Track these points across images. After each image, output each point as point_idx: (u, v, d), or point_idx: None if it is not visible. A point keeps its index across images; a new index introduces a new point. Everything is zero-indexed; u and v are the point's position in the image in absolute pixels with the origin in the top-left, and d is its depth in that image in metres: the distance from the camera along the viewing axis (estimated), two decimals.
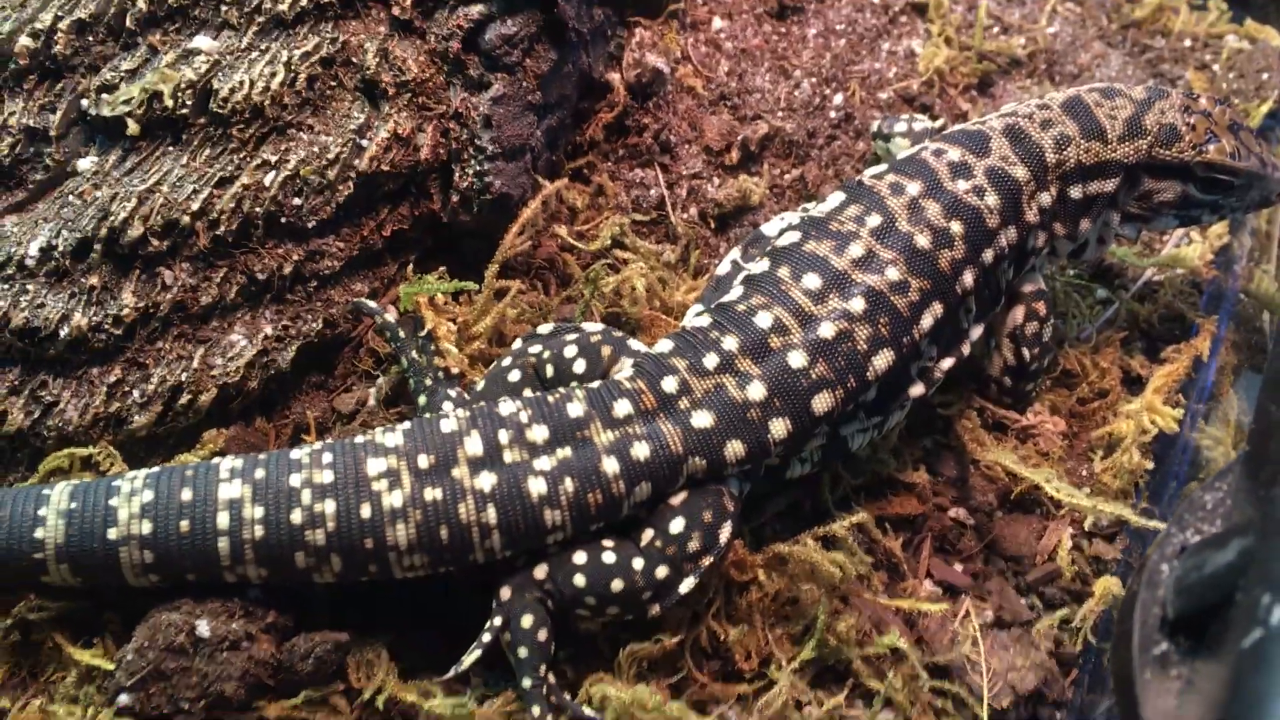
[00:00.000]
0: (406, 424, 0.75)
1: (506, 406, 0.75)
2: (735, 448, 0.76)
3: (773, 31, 1.02)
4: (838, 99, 1.01)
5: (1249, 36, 1.24)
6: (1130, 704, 0.51)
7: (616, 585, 0.75)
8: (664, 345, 0.79)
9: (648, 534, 0.76)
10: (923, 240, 0.81)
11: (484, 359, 0.86)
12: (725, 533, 0.77)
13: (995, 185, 0.84)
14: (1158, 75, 1.21)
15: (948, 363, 0.85)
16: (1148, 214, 0.91)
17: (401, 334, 0.83)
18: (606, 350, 0.80)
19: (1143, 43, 1.23)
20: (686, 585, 0.76)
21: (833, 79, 1.02)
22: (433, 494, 0.72)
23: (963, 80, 1.08)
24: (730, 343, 0.77)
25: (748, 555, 0.80)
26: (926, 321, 0.80)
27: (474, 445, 0.73)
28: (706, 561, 0.76)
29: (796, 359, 0.77)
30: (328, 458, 0.73)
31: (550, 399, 0.76)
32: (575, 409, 0.75)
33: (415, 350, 0.84)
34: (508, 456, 0.74)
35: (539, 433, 0.74)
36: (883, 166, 0.86)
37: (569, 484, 0.73)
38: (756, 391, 0.76)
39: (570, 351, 0.80)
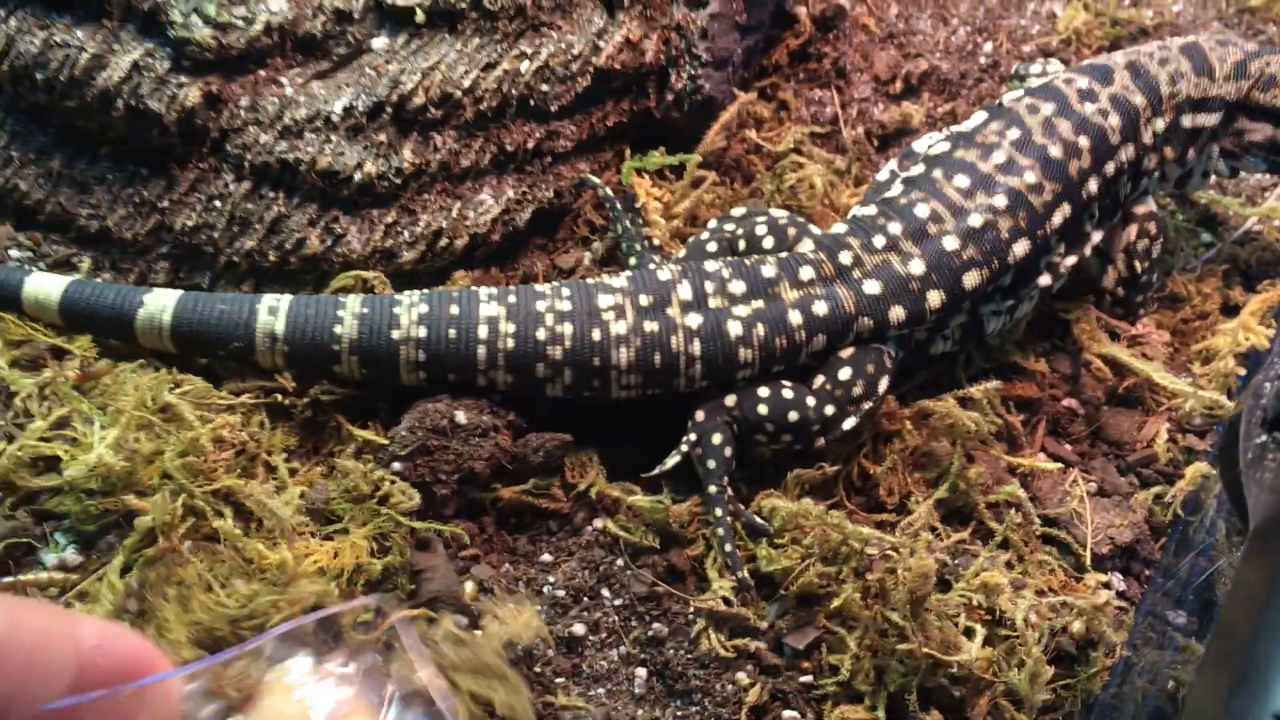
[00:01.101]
0: (630, 271, 0.92)
1: (711, 264, 0.92)
2: (897, 312, 0.92)
3: None
4: (988, 46, 1.16)
5: None
6: (1235, 483, 0.66)
7: (792, 416, 0.91)
8: (839, 228, 0.95)
9: (820, 379, 0.92)
10: (1055, 150, 0.96)
11: (681, 236, 1.02)
12: (883, 384, 0.93)
13: (1117, 108, 0.99)
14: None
15: (1071, 260, 1.00)
16: (1239, 152, 1.05)
17: (619, 205, 1.00)
18: (792, 231, 0.96)
19: (1256, 27, 1.36)
20: (849, 424, 0.92)
21: (984, 29, 1.17)
22: (650, 326, 0.89)
23: (1096, 42, 1.22)
24: (895, 228, 0.93)
25: (897, 409, 0.95)
26: (1057, 219, 0.96)
27: (685, 291, 0.90)
28: (866, 406, 0.92)
29: (950, 242, 0.92)
30: (566, 292, 0.90)
31: (747, 261, 0.92)
32: (768, 270, 0.91)
33: (628, 220, 1.00)
34: (712, 302, 0.90)
35: (737, 286, 0.91)
36: (1020, 91, 1.02)
37: (760, 329, 0.90)
38: (917, 267, 0.92)
39: (761, 230, 0.97)
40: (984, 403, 0.96)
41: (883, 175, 1.01)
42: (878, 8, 1.12)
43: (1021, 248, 0.95)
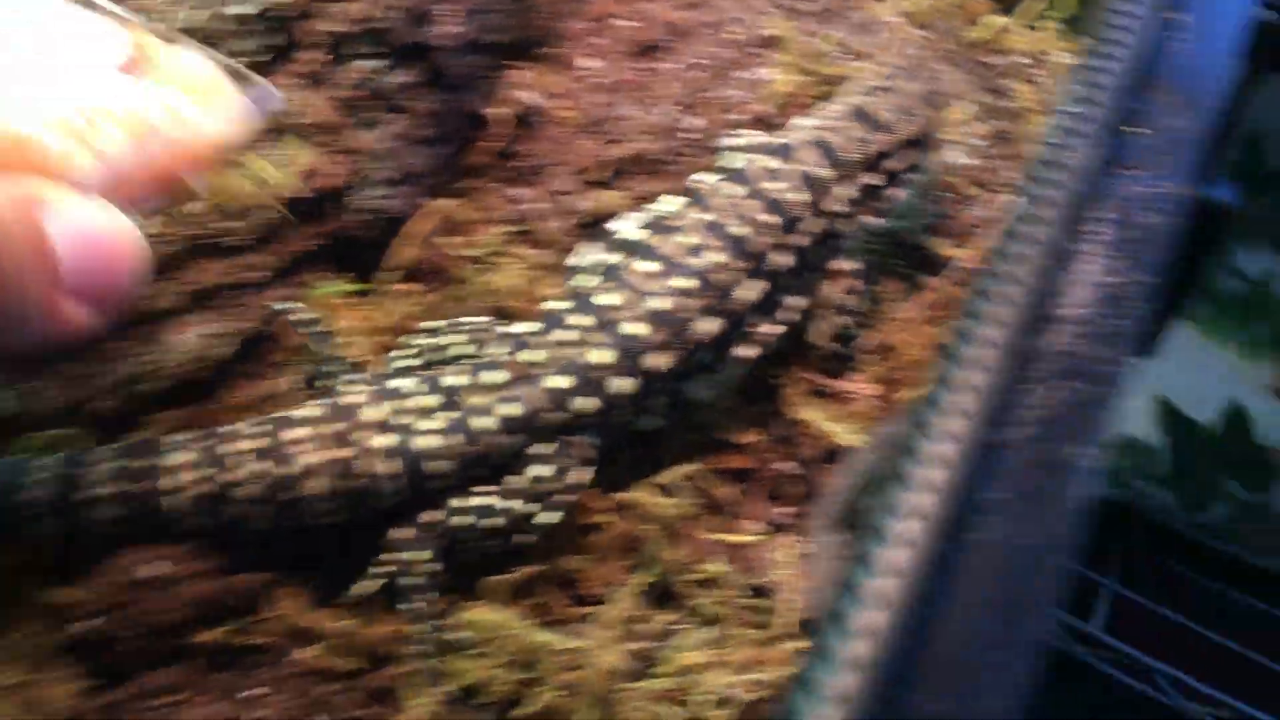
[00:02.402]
0: (320, 399, 0.94)
1: (400, 381, 0.95)
2: (590, 403, 0.95)
3: (639, 67, 1.20)
4: (697, 122, 1.20)
5: (1069, 51, 1.42)
6: None
7: (492, 521, 0.94)
8: (528, 325, 0.98)
9: (518, 478, 0.95)
10: (744, 230, 1.00)
11: (384, 349, 1.05)
12: (583, 475, 0.96)
13: (805, 183, 1.03)
14: (992, 90, 1.38)
15: (776, 329, 1.04)
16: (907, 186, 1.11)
17: (315, 329, 1.02)
18: (484, 334, 0.99)
19: (984, 60, 1.41)
20: (551, 518, 0.95)
21: (691, 105, 1.20)
22: (342, 452, 0.91)
23: (809, 101, 1.26)
24: (584, 319, 0.96)
25: (600, 497, 0.98)
26: (749, 296, 0.99)
27: (374, 412, 0.93)
28: (568, 500, 0.95)
29: (638, 328, 0.96)
30: (254, 430, 0.92)
31: (434, 373, 0.95)
32: (458, 379, 0.94)
33: (326, 343, 1.02)
34: (403, 420, 0.93)
35: (428, 400, 0.93)
36: (715, 174, 1.05)
37: (454, 439, 0.92)
38: (606, 356, 0.95)
39: (453, 338, 0.99)
40: (683, 487, 0.99)
41: (576, 260, 1.04)
42: (575, 99, 1.15)
43: (709, 326, 0.98)
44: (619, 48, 1.20)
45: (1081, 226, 0.82)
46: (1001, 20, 1.42)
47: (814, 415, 1.06)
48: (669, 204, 1.04)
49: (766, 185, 1.03)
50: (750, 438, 1.06)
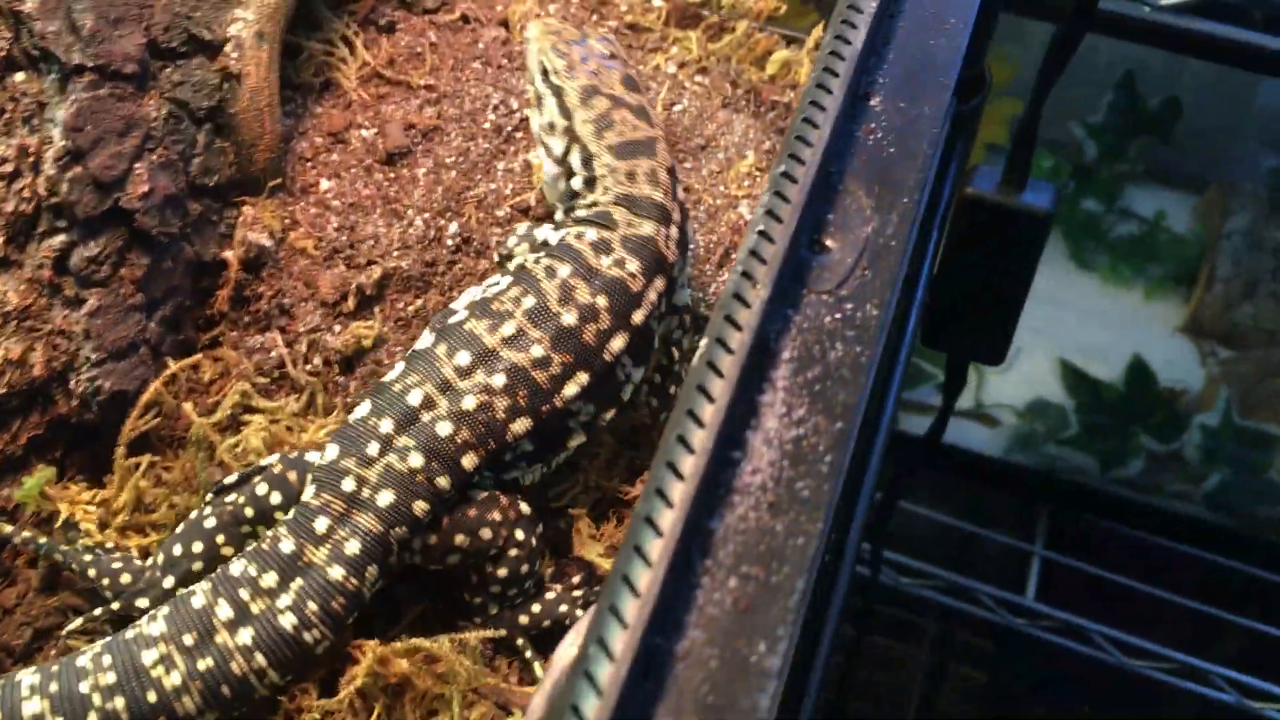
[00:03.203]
0: (165, 609, 0.87)
1: (236, 567, 0.88)
2: (420, 506, 0.90)
3: (383, 179, 1.12)
4: (453, 227, 1.12)
5: None
6: None
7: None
8: (331, 450, 0.91)
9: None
10: (569, 319, 0.93)
11: (134, 527, 0.97)
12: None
13: (632, 251, 0.96)
14: (780, 131, 1.32)
15: (610, 413, 0.98)
16: None
17: (42, 540, 0.94)
18: (292, 474, 0.92)
19: (771, 100, 1.34)
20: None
21: (446, 209, 1.13)
22: (204, 663, 0.85)
23: None
24: (386, 425, 0.90)
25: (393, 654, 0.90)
26: (569, 390, 0.93)
27: (225, 610, 0.86)
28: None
29: (444, 428, 0.90)
30: (107, 660, 0.85)
31: (265, 546, 0.89)
32: (288, 545, 0.88)
33: (66, 544, 0.94)
34: (255, 608, 0.86)
35: (270, 579, 0.87)
36: (539, 254, 0.99)
37: (311, 605, 0.87)
38: (417, 460, 0.90)
39: (262, 489, 0.92)
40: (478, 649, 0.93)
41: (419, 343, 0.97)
42: (315, 227, 1.07)
43: (522, 425, 0.92)
44: (360, 161, 1.13)
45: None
46: (787, 54, 1.36)
47: (587, 552, 1.00)
48: (500, 281, 0.97)
49: (596, 261, 0.96)
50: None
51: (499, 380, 0.91)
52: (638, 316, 0.96)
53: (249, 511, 0.92)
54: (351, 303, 1.06)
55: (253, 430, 0.99)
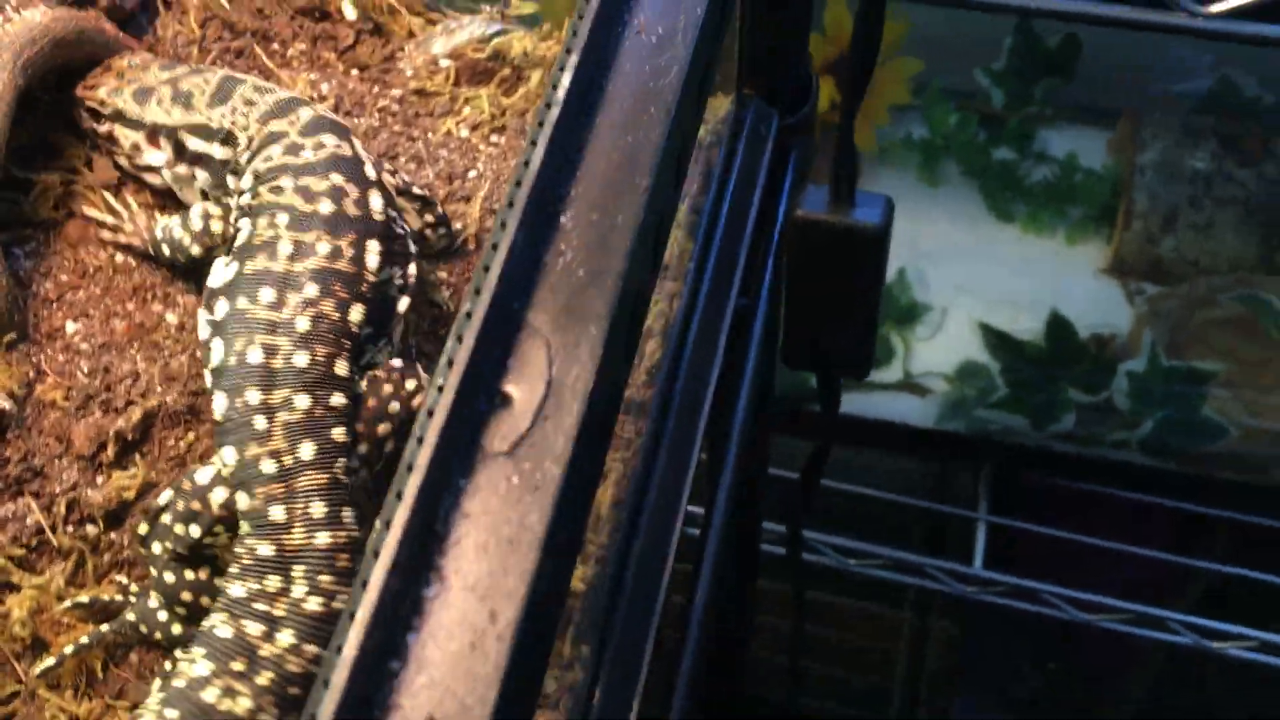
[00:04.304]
0: (199, 650, 0.87)
1: (237, 590, 0.87)
2: (337, 433, 0.91)
3: (136, 310, 1.06)
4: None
5: None
6: None
7: None
8: (228, 453, 0.90)
9: None
10: (326, 206, 0.97)
11: None
12: None
13: None
14: None
15: (412, 266, 1.00)
16: None
17: None
18: (196, 504, 0.91)
19: None
20: None
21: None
22: (264, 678, 0.85)
23: None
24: (252, 395, 0.90)
25: None
26: (371, 260, 0.96)
27: (254, 627, 0.86)
28: None
29: (300, 358, 0.92)
30: (173, 713, 0.84)
31: (247, 561, 0.88)
32: (265, 549, 0.87)
33: None
34: (279, 611, 0.86)
35: (274, 581, 0.87)
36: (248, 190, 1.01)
37: (324, 577, 0.87)
38: (303, 400, 0.90)
39: (180, 529, 0.91)
40: None
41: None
42: (65, 374, 1.01)
43: (357, 312, 0.94)
44: (111, 291, 1.07)
45: None
46: None
47: None
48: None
49: None
50: None
51: (312, 290, 0.91)
52: (371, 172, 0.98)
53: (183, 550, 0.91)
54: (111, 451, 1.00)
55: (16, 602, 0.94)
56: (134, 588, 0.97)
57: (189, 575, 0.92)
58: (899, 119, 2.28)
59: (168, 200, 1.09)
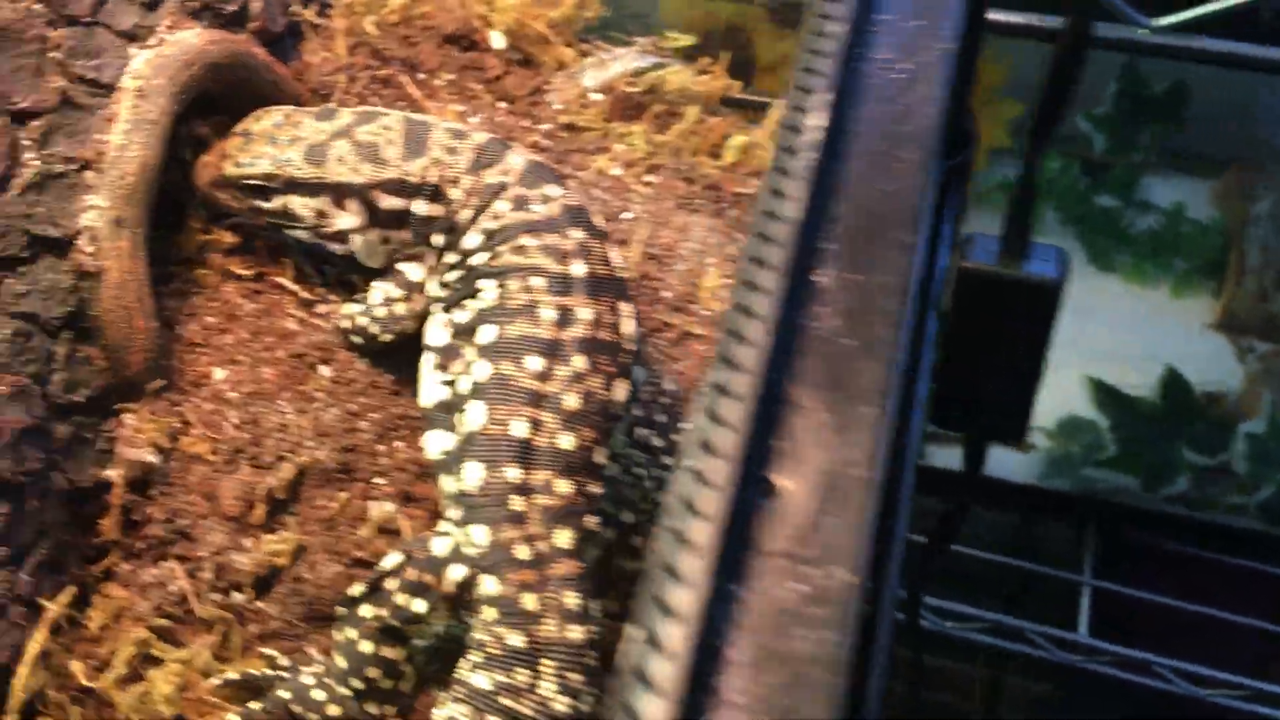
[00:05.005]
0: None
1: (482, 681, 0.79)
2: (590, 521, 0.84)
3: (286, 356, 0.98)
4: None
5: None
6: None
7: None
8: (478, 533, 0.82)
9: None
10: (578, 268, 0.89)
11: None
12: None
13: None
14: (745, 230, 1.17)
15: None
16: None
17: None
18: (429, 577, 0.83)
19: (733, 193, 1.18)
20: None
21: (362, 390, 0.99)
22: None
23: None
24: (512, 472, 0.82)
25: None
26: (628, 328, 0.89)
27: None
28: None
29: (566, 440, 0.85)
30: None
31: (494, 650, 0.80)
32: (515, 639, 0.79)
33: None
34: (527, 709, 0.79)
35: (523, 675, 0.79)
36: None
37: (574, 675, 0.80)
38: (565, 486, 0.83)
39: (401, 599, 0.83)
40: None
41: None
42: (212, 425, 0.94)
43: (621, 389, 0.87)
44: (258, 336, 0.99)
45: None
46: (745, 138, 1.20)
47: None
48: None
49: None
50: None
51: (580, 362, 0.84)
52: (601, 221, 0.93)
53: (396, 624, 0.84)
54: (261, 511, 0.92)
55: (162, 681, 0.86)
56: (282, 660, 0.89)
57: (386, 652, 0.83)
58: (996, 162, 2.21)
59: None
